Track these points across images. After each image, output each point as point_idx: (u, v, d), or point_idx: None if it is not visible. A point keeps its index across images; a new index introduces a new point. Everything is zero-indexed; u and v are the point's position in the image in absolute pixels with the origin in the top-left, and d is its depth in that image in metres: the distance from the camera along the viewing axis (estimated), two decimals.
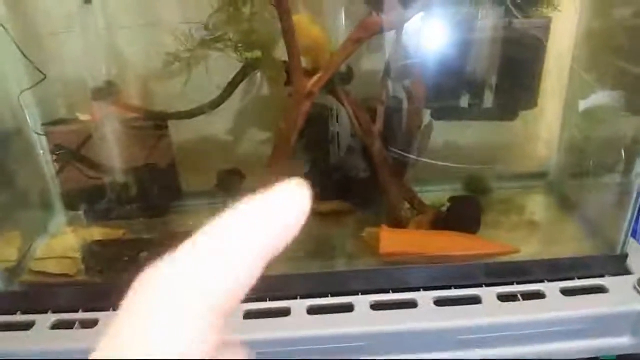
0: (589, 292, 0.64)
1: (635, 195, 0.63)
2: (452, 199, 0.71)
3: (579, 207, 0.76)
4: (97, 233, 0.68)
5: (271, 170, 0.66)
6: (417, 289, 0.65)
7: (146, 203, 0.75)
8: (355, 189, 0.73)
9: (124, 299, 0.17)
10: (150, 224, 0.74)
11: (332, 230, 0.76)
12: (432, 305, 0.63)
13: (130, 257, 0.63)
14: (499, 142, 0.78)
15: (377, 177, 0.68)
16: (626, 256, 0.67)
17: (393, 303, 0.63)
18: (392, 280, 0.65)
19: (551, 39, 0.68)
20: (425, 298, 0.64)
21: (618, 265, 0.67)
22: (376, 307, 0.63)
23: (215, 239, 0.17)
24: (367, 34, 0.63)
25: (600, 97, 0.73)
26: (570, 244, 0.73)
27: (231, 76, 0.69)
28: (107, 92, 0.73)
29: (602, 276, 0.66)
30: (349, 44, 0.63)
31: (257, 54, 0.63)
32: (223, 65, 0.68)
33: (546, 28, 0.67)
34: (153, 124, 0.76)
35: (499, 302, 0.63)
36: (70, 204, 0.76)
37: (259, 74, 0.73)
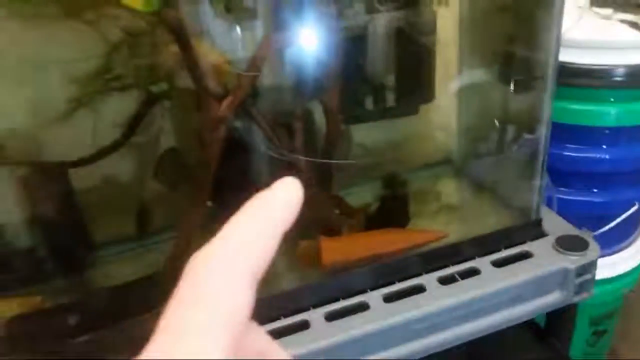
0: (518, 259, 0.69)
1: (541, 163, 0.69)
2: (380, 199, 0.72)
3: (488, 185, 0.81)
4: (9, 307, 0.59)
5: (197, 200, 0.63)
6: (365, 291, 0.65)
7: (56, 263, 0.67)
8: None
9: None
10: (66, 283, 0.67)
11: None
12: (383, 303, 0.64)
13: (59, 325, 0.56)
14: (404, 137, 0.82)
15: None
16: (541, 220, 0.73)
17: (346, 310, 0.63)
18: (340, 289, 0.65)
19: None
20: (374, 298, 0.64)
21: (535, 230, 0.72)
22: (330, 317, 0.62)
23: (239, 227, 0.20)
24: (270, 50, 0.62)
25: (479, 76, 0.79)
26: (489, 219, 0.78)
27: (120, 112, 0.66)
28: None
29: (524, 242, 0.71)
30: (255, 63, 0.62)
31: (163, 86, 0.60)
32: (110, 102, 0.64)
33: (433, 22, 0.72)
34: (48, 177, 0.69)
35: (441, 286, 0.66)
36: None
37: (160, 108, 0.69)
